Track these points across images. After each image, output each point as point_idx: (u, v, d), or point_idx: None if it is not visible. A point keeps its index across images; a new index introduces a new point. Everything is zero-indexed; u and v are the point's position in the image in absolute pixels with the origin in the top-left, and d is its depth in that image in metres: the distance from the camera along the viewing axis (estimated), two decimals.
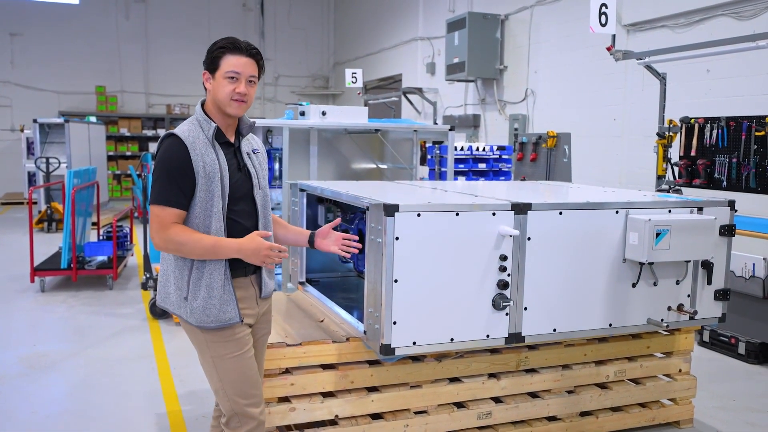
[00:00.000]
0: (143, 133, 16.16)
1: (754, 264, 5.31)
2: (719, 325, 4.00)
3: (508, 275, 3.26)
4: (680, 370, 4.04)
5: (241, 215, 2.66)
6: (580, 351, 3.76)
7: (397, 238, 3.03)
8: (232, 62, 2.56)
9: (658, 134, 6.16)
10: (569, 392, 3.75)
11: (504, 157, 8.21)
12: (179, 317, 2.66)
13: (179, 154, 2.52)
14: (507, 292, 3.27)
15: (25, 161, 13.44)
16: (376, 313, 3.11)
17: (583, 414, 3.80)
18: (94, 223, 9.22)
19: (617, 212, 3.50)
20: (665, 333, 3.99)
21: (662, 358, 4.03)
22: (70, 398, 4.50)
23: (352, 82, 8.90)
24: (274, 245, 2.58)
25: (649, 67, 6.22)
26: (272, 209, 2.88)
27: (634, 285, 3.56)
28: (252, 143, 2.81)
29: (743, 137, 5.71)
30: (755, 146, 5.63)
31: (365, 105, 14.33)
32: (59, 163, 11.39)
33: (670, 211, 3.60)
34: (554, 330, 3.43)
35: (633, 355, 3.93)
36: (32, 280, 7.20)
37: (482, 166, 8.08)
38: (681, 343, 4.03)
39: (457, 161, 7.87)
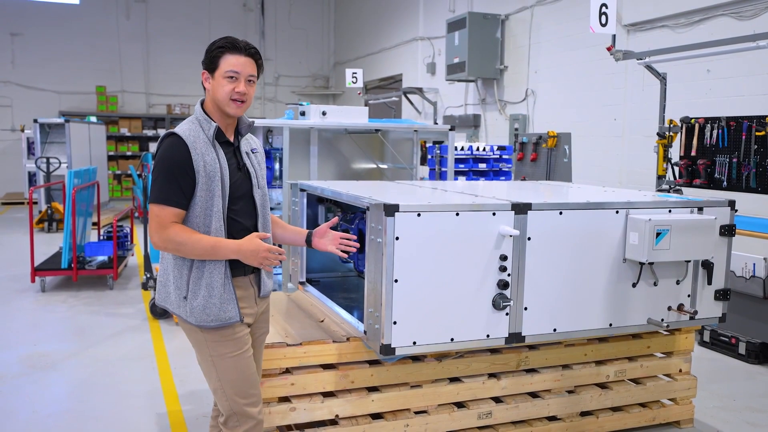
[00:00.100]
0: (144, 133, 16.17)
1: (754, 264, 5.31)
2: (719, 325, 4.01)
3: (509, 275, 3.27)
4: (680, 370, 4.04)
5: (241, 214, 2.67)
6: (581, 351, 3.76)
7: (397, 238, 3.03)
8: (231, 62, 2.57)
9: (658, 134, 6.16)
10: (569, 392, 3.75)
11: (504, 157, 8.21)
12: (178, 317, 2.66)
13: (180, 153, 2.52)
14: (507, 292, 3.27)
15: (25, 161, 13.45)
16: (376, 313, 3.11)
17: (584, 414, 3.80)
18: (94, 223, 9.23)
19: (617, 212, 3.50)
20: (665, 333, 4.00)
21: (662, 358, 4.03)
22: (71, 398, 4.50)
23: (353, 82, 8.91)
24: (273, 247, 2.58)
25: (649, 67, 6.22)
26: (272, 209, 2.89)
27: (634, 285, 3.56)
28: (251, 143, 2.81)
29: (743, 137, 5.71)
30: (755, 146, 5.63)
31: (365, 105, 14.34)
32: (60, 163, 11.40)
33: (670, 211, 3.60)
34: (554, 330, 3.43)
35: (633, 355, 3.93)
36: (33, 280, 7.20)
37: (482, 166, 8.08)
38: (681, 343, 4.03)
39: (458, 161, 7.87)
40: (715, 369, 5.18)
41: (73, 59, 16.17)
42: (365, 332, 3.25)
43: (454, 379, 3.52)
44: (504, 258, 3.24)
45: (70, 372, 4.94)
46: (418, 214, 3.07)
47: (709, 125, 6.02)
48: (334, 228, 2.98)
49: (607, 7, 5.65)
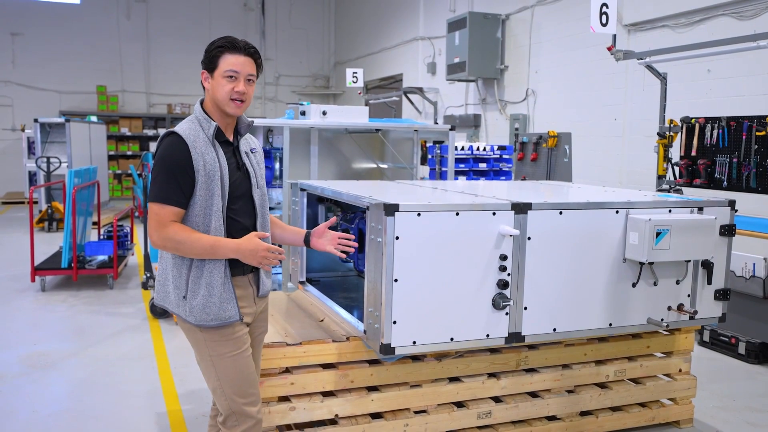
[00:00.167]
0: (144, 132, 16.17)
1: (754, 264, 5.31)
2: (719, 324, 4.01)
3: (508, 275, 3.27)
4: (680, 370, 4.04)
5: (240, 214, 2.67)
6: (580, 351, 3.76)
7: (397, 238, 3.03)
8: (230, 61, 2.57)
9: (658, 134, 6.16)
10: (569, 392, 3.75)
11: (504, 156, 8.21)
12: (177, 316, 2.66)
13: (180, 152, 2.53)
14: (507, 292, 3.27)
15: (26, 161, 13.45)
16: (376, 313, 3.11)
17: (583, 414, 3.80)
18: (94, 223, 9.24)
19: (617, 212, 3.50)
20: (665, 333, 4.00)
21: (662, 357, 4.03)
22: (71, 397, 4.50)
23: (353, 81, 8.91)
24: (272, 246, 2.58)
25: (649, 67, 6.22)
26: (272, 208, 2.89)
27: (634, 285, 3.56)
28: (250, 143, 2.82)
29: (744, 137, 5.71)
30: (756, 146, 5.63)
31: (366, 105, 14.34)
32: (60, 162, 11.40)
33: (670, 210, 3.60)
34: (554, 330, 3.43)
35: (633, 355, 3.93)
36: (33, 280, 7.20)
37: (483, 165, 8.08)
38: (681, 343, 4.03)
39: (458, 161, 7.86)
40: (714, 369, 5.18)
41: (73, 59, 16.17)
42: (365, 332, 3.25)
43: (453, 379, 3.52)
44: (504, 258, 3.24)
45: (70, 371, 4.94)
46: (418, 214, 3.07)
47: (709, 125, 6.02)
48: (332, 228, 2.98)
49: (607, 7, 5.65)
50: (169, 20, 16.83)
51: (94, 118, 13.77)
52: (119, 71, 16.66)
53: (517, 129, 10.06)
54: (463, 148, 8.00)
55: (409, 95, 13.17)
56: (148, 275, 6.86)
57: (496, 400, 3.62)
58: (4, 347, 5.47)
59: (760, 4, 6.46)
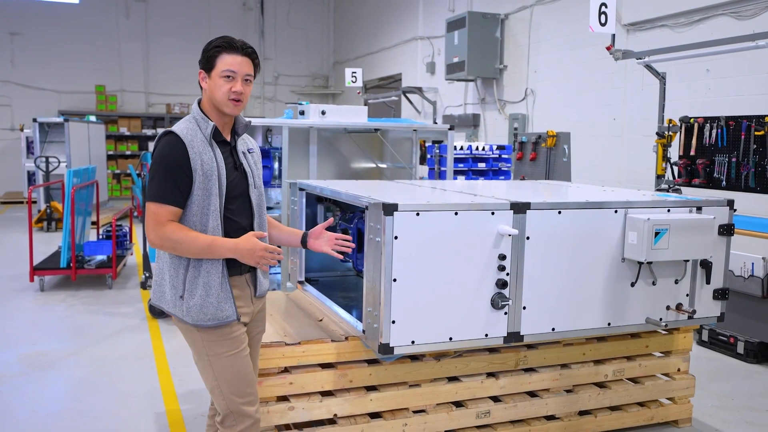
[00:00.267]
0: (143, 132, 16.18)
1: (753, 263, 5.31)
2: (718, 324, 4.01)
3: (507, 274, 3.27)
4: (679, 370, 4.04)
5: (237, 214, 2.67)
6: (579, 350, 3.76)
7: (396, 238, 3.03)
8: (228, 61, 2.57)
9: (657, 134, 6.16)
10: (568, 391, 3.76)
11: (503, 156, 8.21)
12: (174, 316, 2.66)
13: (177, 151, 2.53)
14: (506, 292, 3.27)
15: (24, 160, 13.44)
16: (375, 312, 3.11)
17: (582, 413, 3.80)
18: (93, 223, 9.23)
19: (616, 212, 3.50)
20: (664, 332, 4.00)
21: (661, 357, 4.03)
22: (70, 397, 4.50)
23: (352, 81, 8.90)
24: (270, 246, 2.58)
25: (648, 67, 6.22)
26: (271, 208, 2.89)
27: (632, 284, 3.56)
28: (247, 143, 2.82)
29: (743, 137, 5.72)
30: (754, 146, 5.63)
31: (365, 104, 14.34)
32: (59, 162, 11.40)
33: (669, 210, 3.60)
34: (553, 329, 3.43)
35: (632, 355, 3.93)
36: (31, 279, 7.20)
37: (482, 165, 8.08)
38: (680, 343, 4.03)
39: (457, 161, 7.86)
40: (713, 368, 5.19)
41: (72, 59, 16.16)
42: (364, 331, 3.25)
43: (452, 379, 3.52)
44: (503, 257, 3.24)
45: (69, 371, 4.94)
46: (417, 214, 3.07)
47: (708, 125, 6.02)
48: (331, 228, 2.98)
49: (606, 7, 5.65)
50: (168, 20, 16.82)
51: (93, 118, 13.76)
52: (118, 71, 16.66)
53: (516, 129, 10.06)
54: (462, 148, 8.00)
55: (408, 95, 13.17)
56: (147, 275, 6.85)
57: (495, 399, 3.62)
58: (3, 347, 5.46)
59: (759, 4, 6.46)
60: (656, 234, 3.40)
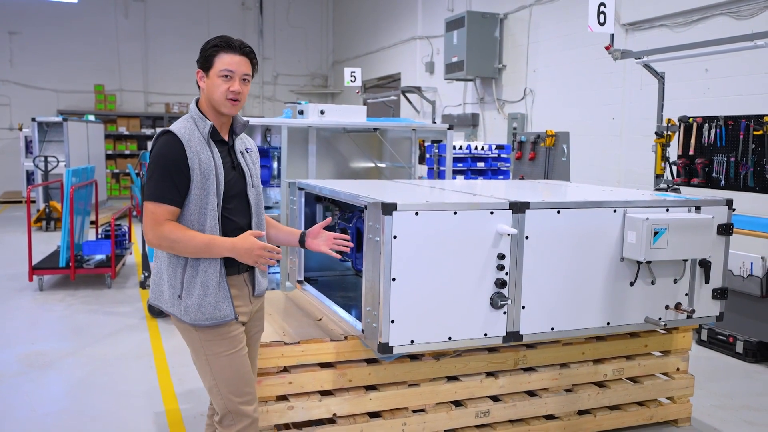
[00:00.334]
0: (142, 131, 16.17)
1: (752, 263, 5.32)
2: (717, 323, 4.02)
3: (506, 274, 3.27)
4: (678, 369, 4.04)
5: (235, 213, 2.67)
6: (578, 350, 3.77)
7: (395, 237, 3.03)
8: (225, 61, 2.57)
9: (656, 133, 6.17)
10: (567, 391, 3.76)
11: (502, 156, 8.21)
12: (172, 315, 2.66)
13: (175, 151, 2.53)
14: (505, 291, 3.27)
15: (23, 160, 13.43)
16: (374, 312, 3.11)
17: (581, 412, 3.80)
18: (92, 222, 9.22)
19: (615, 211, 3.50)
20: (663, 332, 4.00)
21: (660, 356, 4.03)
22: (69, 397, 4.50)
23: (351, 80, 8.90)
24: (268, 245, 2.58)
25: (647, 67, 6.22)
26: (270, 208, 2.89)
27: (632, 284, 3.57)
28: (245, 142, 2.82)
29: (741, 136, 5.72)
30: (753, 145, 5.64)
31: (364, 104, 14.34)
32: (58, 161, 11.39)
33: (668, 210, 3.61)
34: (552, 329, 3.43)
35: (631, 354, 3.93)
36: (30, 279, 7.19)
37: (481, 165, 8.07)
38: (679, 342, 4.03)
39: (456, 160, 7.86)
40: (712, 368, 5.19)
41: (71, 58, 16.15)
42: (363, 331, 3.25)
43: (451, 378, 3.52)
44: (502, 257, 3.24)
45: (68, 371, 4.94)
46: (416, 213, 3.07)
47: (707, 124, 6.02)
48: (329, 228, 2.98)
49: (605, 6, 5.65)
50: (167, 19, 16.81)
51: (91, 117, 13.74)
52: (117, 70, 16.65)
53: (515, 128, 10.06)
54: (461, 148, 8.00)
55: (407, 94, 13.17)
56: (146, 274, 6.85)
57: (494, 399, 3.62)
58: (2, 346, 5.46)
59: (757, 4, 6.47)
60: (655, 233, 3.40)
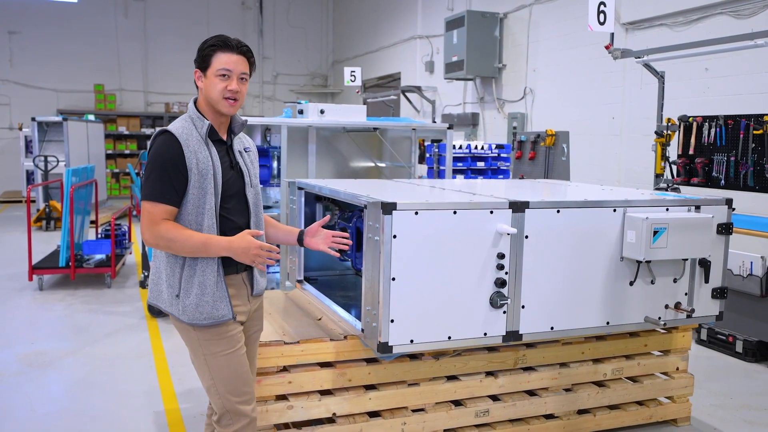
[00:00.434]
0: (142, 131, 16.17)
1: (751, 262, 5.32)
2: (717, 323, 4.01)
3: (506, 273, 3.27)
4: (678, 368, 4.04)
5: (233, 213, 2.67)
6: (578, 349, 3.77)
7: (394, 236, 3.03)
8: (223, 60, 2.57)
9: (656, 133, 6.17)
10: (567, 390, 3.76)
11: (502, 155, 8.20)
12: (171, 315, 2.66)
13: (173, 150, 2.53)
14: (504, 290, 3.27)
15: (23, 159, 13.43)
16: (373, 311, 3.11)
17: (581, 412, 3.81)
18: (92, 222, 9.23)
19: (615, 210, 3.50)
20: (663, 331, 4.00)
21: (660, 356, 4.03)
22: (69, 396, 4.50)
23: (351, 80, 8.90)
24: (265, 245, 2.57)
25: (647, 66, 6.22)
26: (270, 207, 2.89)
27: (631, 283, 3.56)
28: (244, 142, 2.82)
29: (741, 136, 5.72)
30: (753, 145, 5.64)
31: (364, 103, 14.34)
32: (57, 161, 11.39)
33: (667, 209, 3.60)
34: (552, 328, 3.43)
35: (630, 353, 3.93)
36: (30, 279, 7.19)
37: (481, 164, 8.07)
38: (678, 341, 4.03)
39: (456, 160, 7.86)
40: (712, 367, 5.19)
41: (71, 57, 16.15)
42: (363, 330, 3.25)
43: (451, 378, 3.52)
44: (501, 256, 3.24)
45: (68, 370, 4.94)
46: (416, 213, 3.07)
47: (706, 124, 6.02)
48: (329, 227, 2.98)
49: (605, 6, 5.65)
50: (166, 19, 16.81)
51: (91, 117, 13.74)
52: (117, 70, 16.65)
53: (515, 128, 10.06)
54: (461, 147, 8.00)
55: (407, 94, 13.17)
56: (146, 274, 6.84)
57: (494, 398, 3.62)
58: (2, 346, 5.46)
59: (757, 3, 6.47)
60: (655, 233, 3.40)
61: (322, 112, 5.80)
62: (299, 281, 4.28)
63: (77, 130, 12.35)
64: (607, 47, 6.08)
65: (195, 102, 2.68)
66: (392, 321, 3.07)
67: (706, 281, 3.76)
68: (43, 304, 6.78)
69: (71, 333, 5.87)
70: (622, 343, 3.89)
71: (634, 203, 3.56)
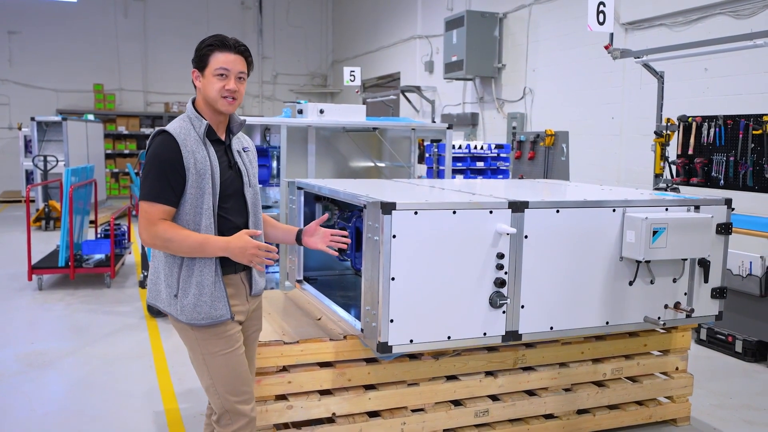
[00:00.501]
0: (141, 131, 16.16)
1: (751, 262, 5.32)
2: (716, 323, 4.02)
3: (505, 273, 3.27)
4: (677, 368, 4.05)
5: (232, 212, 2.67)
6: (577, 349, 3.77)
7: (394, 236, 3.03)
8: (220, 59, 2.57)
9: (655, 133, 6.17)
10: (566, 390, 3.76)
11: (502, 155, 8.21)
12: (169, 315, 2.66)
13: (170, 151, 2.53)
14: (504, 290, 3.27)
15: (22, 159, 13.42)
16: (373, 311, 3.11)
17: (580, 412, 3.81)
18: (91, 222, 9.22)
19: (614, 210, 3.50)
20: (662, 331, 4.00)
21: (659, 356, 4.03)
22: (68, 396, 4.50)
23: (351, 80, 8.91)
24: (262, 244, 2.57)
25: (646, 66, 6.22)
26: (270, 207, 2.89)
27: (631, 283, 3.57)
28: (242, 141, 2.82)
29: (741, 136, 5.72)
30: (752, 145, 5.64)
31: (363, 103, 14.34)
32: (57, 161, 11.39)
33: (667, 209, 3.61)
34: (551, 328, 3.43)
35: (630, 353, 3.94)
36: (30, 279, 7.19)
37: (480, 164, 8.08)
38: (678, 341, 4.03)
39: (455, 159, 7.86)
40: (711, 367, 5.19)
41: (70, 57, 16.15)
42: (362, 330, 3.25)
43: (451, 377, 3.52)
44: (501, 256, 3.24)
45: (68, 370, 4.94)
46: (416, 212, 3.07)
47: (706, 124, 6.02)
48: (328, 226, 2.98)
49: (605, 6, 5.65)
50: (166, 19, 16.81)
51: (91, 117, 13.74)
52: (116, 70, 16.64)
53: (514, 127, 10.06)
54: (460, 147, 8.00)
55: (407, 94, 13.17)
56: (146, 274, 6.84)
57: (494, 398, 3.62)
58: (1, 346, 5.46)
59: (756, 3, 6.47)
60: (654, 233, 3.40)
61: (321, 111, 5.80)
62: (299, 281, 4.28)
63: (77, 130, 12.35)
64: (606, 47, 6.08)
65: (193, 102, 2.68)
66: (392, 321, 3.07)
67: (706, 281, 3.76)
68: (43, 303, 6.78)
69: (71, 333, 5.87)
70: (622, 343, 3.89)
71: (633, 203, 3.56)
